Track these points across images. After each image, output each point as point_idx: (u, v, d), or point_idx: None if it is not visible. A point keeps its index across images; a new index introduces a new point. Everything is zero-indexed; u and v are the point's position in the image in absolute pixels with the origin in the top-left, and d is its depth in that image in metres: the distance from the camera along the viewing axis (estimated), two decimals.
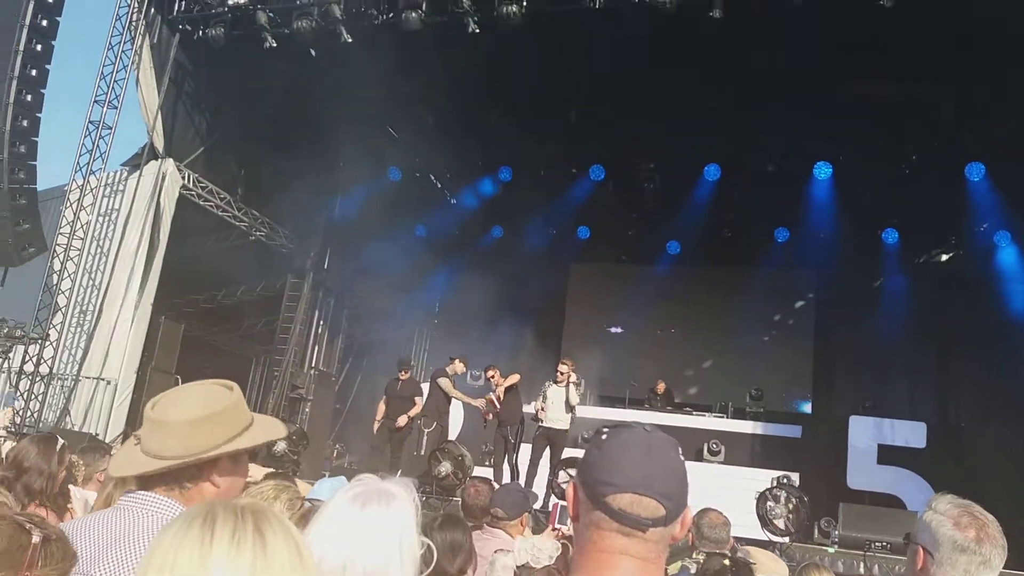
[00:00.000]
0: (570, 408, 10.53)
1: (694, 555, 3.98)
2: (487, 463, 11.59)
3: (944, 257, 15.54)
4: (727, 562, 2.82)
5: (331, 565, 1.68)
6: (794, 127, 12.85)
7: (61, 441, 4.00)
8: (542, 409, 10.57)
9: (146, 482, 1.78)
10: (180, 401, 1.81)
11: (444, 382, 11.51)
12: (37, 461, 3.66)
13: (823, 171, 14.48)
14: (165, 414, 1.78)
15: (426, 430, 11.49)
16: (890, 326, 14.30)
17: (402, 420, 11.31)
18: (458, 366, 11.74)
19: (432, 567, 1.78)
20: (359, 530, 1.70)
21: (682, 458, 1.38)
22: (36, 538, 1.25)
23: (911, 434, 12.22)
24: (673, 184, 15.56)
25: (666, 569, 3.74)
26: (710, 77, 11.99)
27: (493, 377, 11.38)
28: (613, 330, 17.55)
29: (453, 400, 11.78)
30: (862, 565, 8.53)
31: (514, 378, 11.18)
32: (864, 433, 12.42)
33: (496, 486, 5.26)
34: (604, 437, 1.39)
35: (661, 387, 14.95)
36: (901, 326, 14.14)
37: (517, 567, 2.98)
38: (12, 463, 3.68)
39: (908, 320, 14.22)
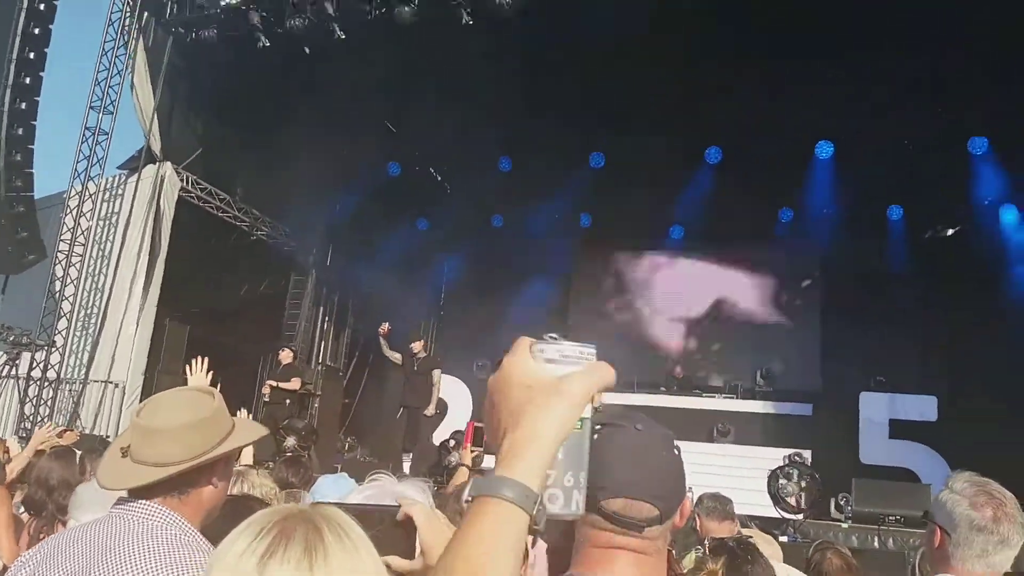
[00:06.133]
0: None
1: (707, 541, 3.96)
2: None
3: (950, 232, 15.43)
4: (731, 543, 2.86)
5: None
6: (794, 106, 12.73)
7: (78, 452, 3.99)
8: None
9: (142, 490, 1.71)
10: (167, 407, 1.76)
11: (436, 373, 12.25)
12: (63, 475, 3.65)
13: (825, 150, 14.41)
14: (157, 421, 1.72)
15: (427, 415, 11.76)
16: (898, 302, 14.22)
17: (265, 389, 12.25)
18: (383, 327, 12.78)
19: None
20: None
21: (676, 453, 1.38)
22: None
23: (923, 408, 12.18)
24: (674, 168, 15.45)
25: (681, 560, 3.74)
26: (707, 52, 11.84)
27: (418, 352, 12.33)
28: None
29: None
30: (876, 539, 8.50)
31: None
32: (876, 409, 12.40)
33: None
34: (595, 438, 1.29)
35: (679, 371, 15.08)
36: (909, 302, 14.06)
37: None
38: (38, 482, 3.67)
39: (916, 296, 14.13)
